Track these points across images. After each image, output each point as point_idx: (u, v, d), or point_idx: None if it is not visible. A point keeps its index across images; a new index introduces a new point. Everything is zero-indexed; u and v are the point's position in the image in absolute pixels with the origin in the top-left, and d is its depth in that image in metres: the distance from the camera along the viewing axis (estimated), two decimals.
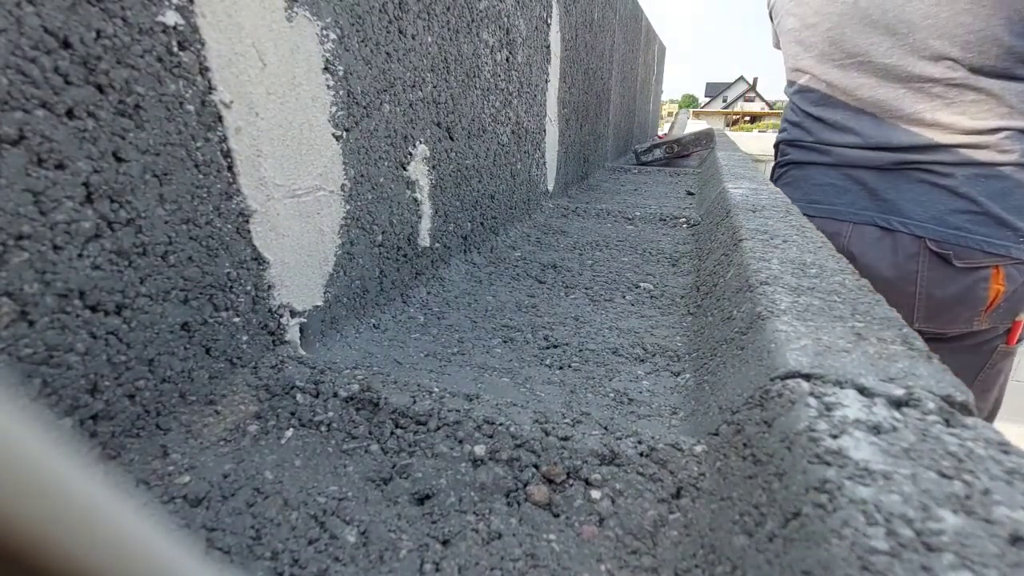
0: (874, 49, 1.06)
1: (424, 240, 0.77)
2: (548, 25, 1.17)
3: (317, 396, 0.46)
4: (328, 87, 0.53)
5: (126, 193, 0.36)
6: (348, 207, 0.59)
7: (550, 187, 1.40)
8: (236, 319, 0.47)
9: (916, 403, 0.32)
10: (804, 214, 1.14)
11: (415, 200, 0.73)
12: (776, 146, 1.35)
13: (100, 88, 0.34)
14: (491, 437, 0.41)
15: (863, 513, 0.24)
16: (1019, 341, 1.10)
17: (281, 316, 0.52)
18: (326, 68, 0.52)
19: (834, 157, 1.16)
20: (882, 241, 1.07)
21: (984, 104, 0.97)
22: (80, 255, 0.34)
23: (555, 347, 0.62)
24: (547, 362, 0.59)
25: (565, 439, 0.40)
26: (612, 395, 0.52)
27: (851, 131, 1.12)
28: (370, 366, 0.53)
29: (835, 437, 0.29)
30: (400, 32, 0.63)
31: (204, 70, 0.40)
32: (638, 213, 1.28)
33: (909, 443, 0.29)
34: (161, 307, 0.40)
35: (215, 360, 0.45)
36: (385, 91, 0.62)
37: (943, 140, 1.00)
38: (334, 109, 0.54)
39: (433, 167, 0.76)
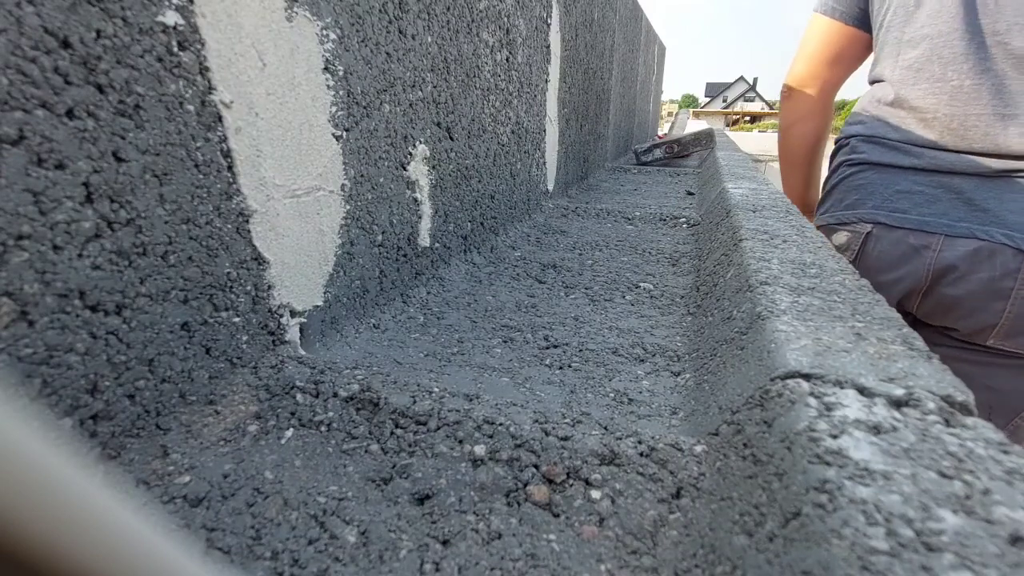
0: (1017, 31, 0.91)
1: (424, 240, 0.77)
2: (548, 25, 1.17)
3: (317, 396, 0.46)
4: (328, 87, 0.53)
5: (126, 193, 0.36)
6: (348, 207, 0.59)
7: (550, 187, 1.40)
8: (236, 319, 0.47)
9: (916, 403, 0.32)
10: (880, 223, 1.05)
11: (415, 200, 0.73)
12: (845, 140, 1.18)
13: (100, 88, 0.34)
14: (491, 437, 0.41)
15: (863, 513, 0.24)
16: None
17: (281, 316, 0.52)
18: (326, 68, 0.52)
19: (925, 161, 1.03)
20: (978, 253, 0.97)
21: None
22: (80, 255, 0.34)
23: (555, 347, 0.62)
24: (547, 362, 0.59)
25: (565, 439, 0.40)
26: (612, 395, 0.52)
27: (953, 127, 0.98)
28: (370, 366, 0.53)
29: (835, 437, 0.29)
30: (400, 32, 0.63)
31: (204, 70, 0.40)
32: (638, 213, 1.28)
33: (909, 443, 0.29)
34: (161, 307, 0.40)
35: (215, 360, 0.45)
36: (385, 91, 0.62)
37: None
38: (334, 109, 0.54)
39: (433, 167, 0.76)
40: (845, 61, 1.27)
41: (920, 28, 1.04)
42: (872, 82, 1.20)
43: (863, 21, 1.21)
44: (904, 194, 1.07)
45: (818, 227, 1.18)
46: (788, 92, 1.35)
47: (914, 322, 1.11)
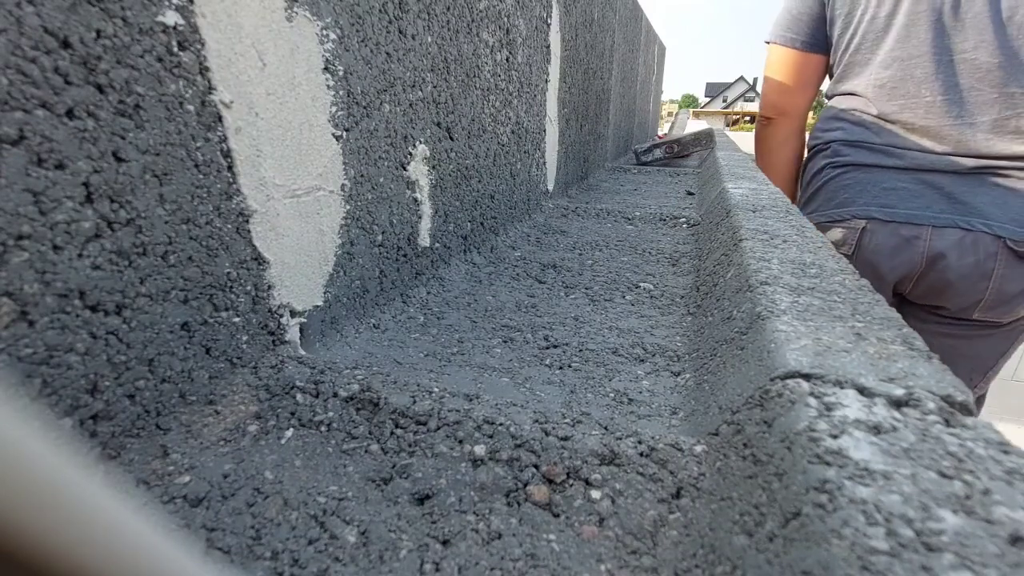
0: (983, 47, 1.06)
1: (424, 240, 0.77)
2: (548, 25, 1.17)
3: (317, 396, 0.46)
4: (328, 87, 0.53)
5: (126, 193, 0.36)
6: (348, 207, 0.59)
7: (550, 187, 1.40)
8: (236, 319, 0.47)
9: (916, 403, 0.32)
10: (874, 218, 1.16)
11: (415, 200, 0.73)
12: (824, 144, 1.29)
13: (100, 88, 0.34)
14: (491, 437, 0.41)
15: (863, 513, 0.24)
16: None
17: (281, 316, 0.52)
18: (326, 68, 0.52)
19: (906, 161, 1.16)
20: (963, 241, 1.10)
21: None
22: (80, 255, 0.34)
23: (555, 347, 0.62)
24: (547, 362, 0.59)
25: (565, 439, 0.40)
26: (612, 395, 0.52)
27: (929, 135, 1.13)
28: (370, 366, 0.53)
29: (835, 437, 0.29)
30: (400, 32, 0.63)
31: (204, 70, 0.40)
32: (638, 213, 1.28)
33: (909, 443, 0.29)
34: (161, 307, 0.40)
35: (215, 360, 0.45)
36: (385, 91, 0.62)
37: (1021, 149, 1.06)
38: (334, 109, 0.54)
39: (433, 167, 0.76)
40: (811, 85, 1.38)
41: (890, 51, 1.15)
42: (837, 94, 1.29)
43: (821, 45, 1.31)
44: (890, 191, 1.17)
45: None
46: (767, 122, 1.46)
47: (901, 302, 1.26)
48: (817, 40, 1.29)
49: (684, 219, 1.22)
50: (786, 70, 1.35)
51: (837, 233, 1.21)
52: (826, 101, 1.39)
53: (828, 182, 1.26)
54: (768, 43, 1.37)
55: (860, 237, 1.18)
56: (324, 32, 0.51)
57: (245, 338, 0.48)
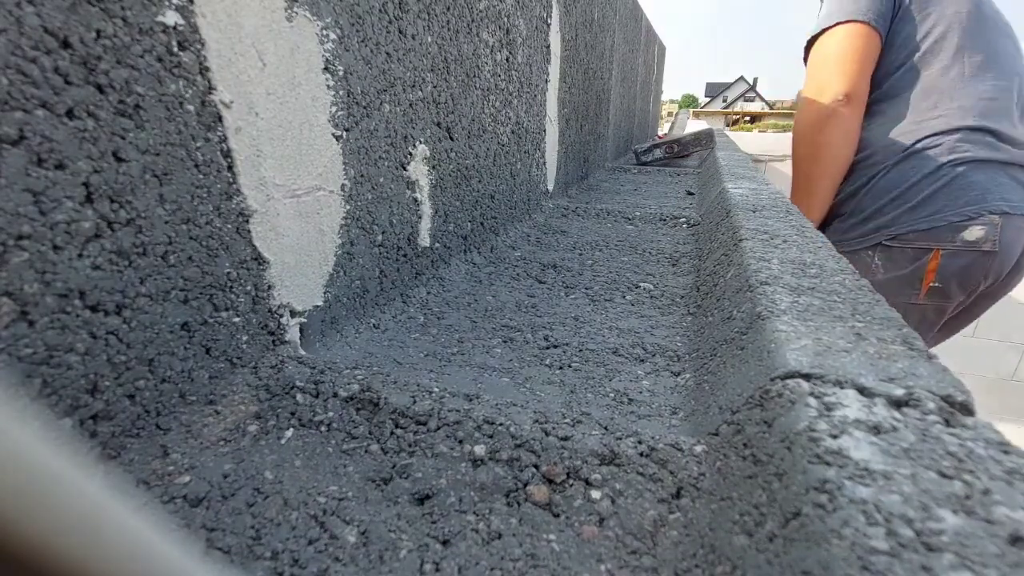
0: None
1: (424, 240, 0.77)
2: (548, 25, 1.17)
3: (317, 396, 0.46)
4: (328, 87, 0.53)
5: (126, 193, 0.36)
6: (348, 207, 0.59)
7: (550, 187, 1.40)
8: (236, 319, 0.47)
9: (916, 403, 0.32)
10: (1005, 213, 1.19)
11: (415, 200, 0.73)
12: (933, 143, 1.24)
13: (100, 88, 0.34)
14: (491, 437, 0.41)
15: (863, 513, 0.24)
16: None
17: (281, 316, 0.52)
18: (326, 68, 0.52)
19: (1006, 154, 1.21)
20: None
21: None
22: (80, 255, 0.34)
23: (555, 347, 0.62)
24: (547, 362, 0.59)
25: (565, 439, 0.40)
26: (612, 395, 0.52)
27: (1017, 123, 1.21)
28: (370, 366, 0.53)
29: (835, 437, 0.29)
30: (400, 32, 0.63)
31: (204, 70, 0.40)
32: (638, 213, 1.28)
33: (909, 443, 0.29)
34: (161, 307, 0.40)
35: (215, 360, 0.45)
36: (385, 91, 0.62)
37: None
38: (334, 109, 0.54)
39: (433, 167, 0.76)
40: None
41: (981, 35, 1.25)
42: (907, 91, 1.28)
43: (887, 29, 1.29)
44: (1003, 185, 1.21)
45: (932, 228, 1.26)
46: (840, 114, 1.30)
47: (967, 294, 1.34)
48: (887, 22, 1.27)
49: (684, 219, 1.22)
50: (861, 52, 1.26)
51: (978, 231, 1.21)
52: (881, 102, 1.31)
53: (952, 180, 1.23)
54: (842, 23, 1.27)
55: (1001, 232, 1.20)
56: (324, 32, 0.51)
57: (245, 338, 0.48)
